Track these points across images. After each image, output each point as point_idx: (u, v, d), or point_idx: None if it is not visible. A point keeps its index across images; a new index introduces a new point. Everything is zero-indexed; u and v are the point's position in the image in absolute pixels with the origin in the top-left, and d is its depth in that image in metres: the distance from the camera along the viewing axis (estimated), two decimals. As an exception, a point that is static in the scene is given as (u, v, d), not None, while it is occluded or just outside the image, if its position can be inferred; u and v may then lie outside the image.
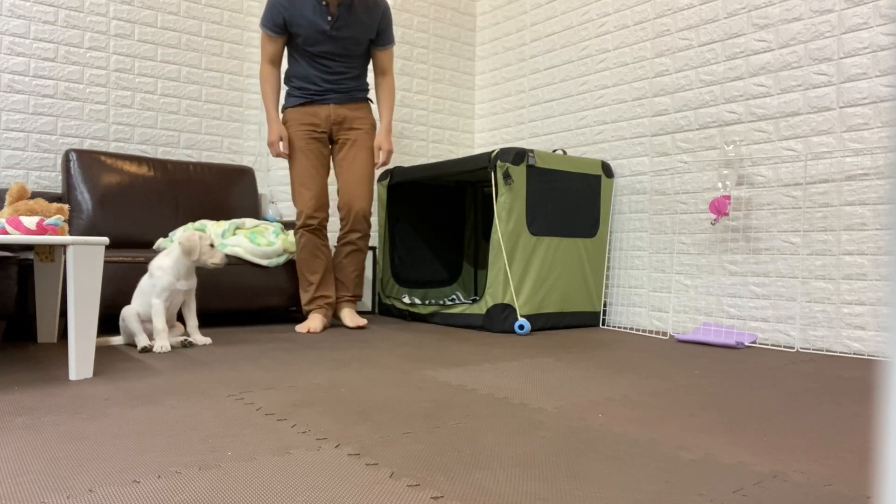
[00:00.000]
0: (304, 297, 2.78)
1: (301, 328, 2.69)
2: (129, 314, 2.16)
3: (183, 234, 2.23)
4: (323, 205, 2.72)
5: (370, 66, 3.07)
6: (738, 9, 2.68)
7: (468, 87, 4.09)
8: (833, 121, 2.38)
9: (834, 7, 2.38)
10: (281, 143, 2.69)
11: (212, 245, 2.24)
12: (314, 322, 2.69)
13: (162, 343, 2.11)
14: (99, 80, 3.30)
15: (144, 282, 2.20)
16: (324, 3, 2.58)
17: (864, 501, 0.91)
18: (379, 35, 2.75)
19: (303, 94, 2.72)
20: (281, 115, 2.78)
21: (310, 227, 2.70)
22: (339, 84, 2.73)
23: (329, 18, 2.59)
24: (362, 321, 2.79)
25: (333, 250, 2.94)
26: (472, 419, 1.32)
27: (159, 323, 2.13)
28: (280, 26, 2.62)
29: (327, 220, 2.76)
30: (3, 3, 3.06)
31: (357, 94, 2.79)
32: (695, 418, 1.35)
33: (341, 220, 2.77)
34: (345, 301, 2.87)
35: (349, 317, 2.82)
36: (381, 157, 2.78)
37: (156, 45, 3.49)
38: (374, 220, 3.58)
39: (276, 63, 2.71)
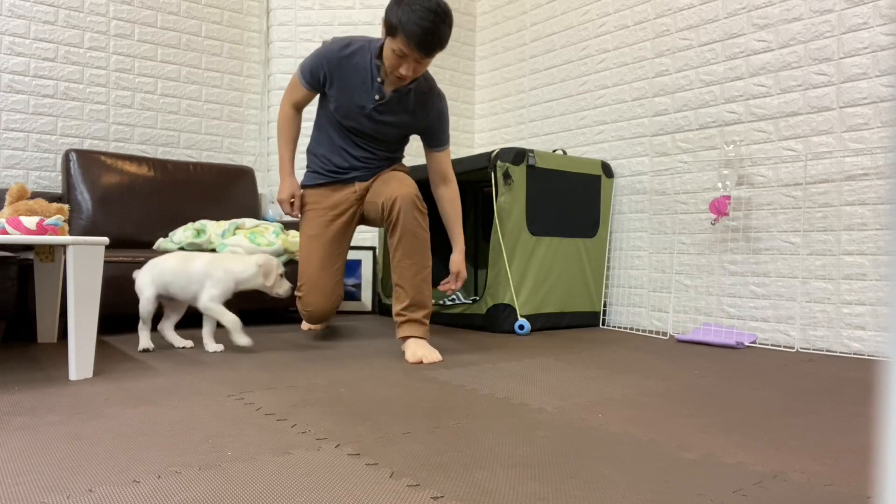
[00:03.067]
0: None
1: (305, 325, 2.72)
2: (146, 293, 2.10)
3: (262, 256, 2.16)
4: (329, 308, 2.32)
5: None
6: (738, 9, 2.68)
7: (468, 87, 4.09)
8: (833, 121, 2.38)
9: (834, 7, 2.38)
10: (293, 202, 2.32)
11: (281, 274, 2.19)
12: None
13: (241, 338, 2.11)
14: (99, 80, 3.30)
15: (193, 268, 2.10)
16: (379, 80, 2.13)
17: (864, 501, 0.91)
18: (429, 135, 2.27)
19: (326, 173, 2.33)
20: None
21: (307, 313, 2.32)
22: (369, 164, 2.33)
23: (377, 98, 2.15)
24: (430, 355, 1.99)
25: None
26: (472, 419, 1.32)
27: (230, 319, 2.09)
28: (317, 82, 2.21)
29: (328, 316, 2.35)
30: (3, 3, 3.06)
31: (387, 168, 2.40)
32: (695, 418, 1.35)
33: (385, 221, 2.18)
34: (405, 321, 2.09)
35: (411, 348, 2.02)
36: (455, 285, 2.26)
37: (156, 45, 3.49)
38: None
39: (300, 109, 2.34)
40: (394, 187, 2.14)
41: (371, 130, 2.25)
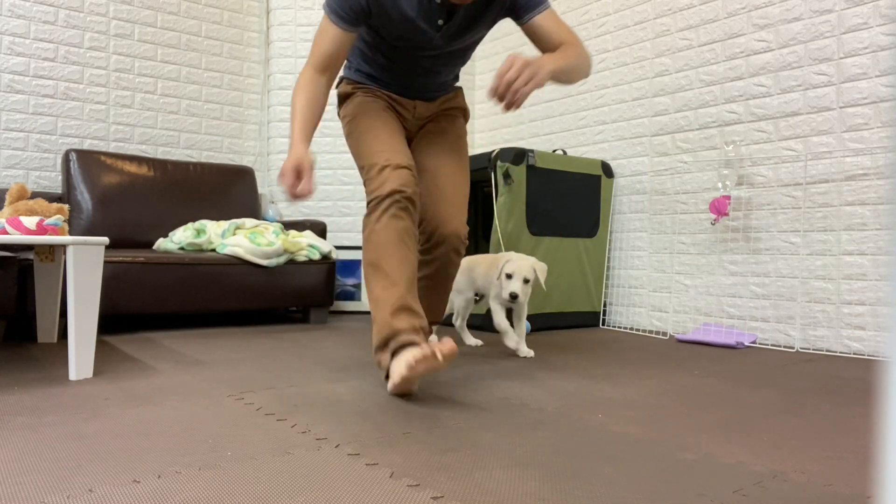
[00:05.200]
0: (382, 308, 1.55)
1: (397, 376, 1.44)
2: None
3: (534, 260, 2.10)
4: (413, 178, 1.68)
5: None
6: (738, 9, 2.68)
7: (468, 87, 4.09)
8: (833, 121, 2.38)
9: (834, 7, 2.38)
10: (298, 177, 1.57)
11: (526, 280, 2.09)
12: (411, 360, 1.40)
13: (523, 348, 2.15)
14: (99, 80, 3.30)
15: (487, 275, 2.19)
16: (439, 1, 1.60)
17: (864, 501, 0.91)
18: (517, 9, 1.68)
19: (377, 83, 1.85)
20: (337, 85, 1.88)
21: (398, 196, 1.62)
22: (429, 84, 1.87)
23: (440, 23, 1.64)
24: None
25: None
26: (472, 419, 1.32)
27: (504, 323, 2.13)
28: (357, 14, 1.61)
29: (419, 198, 1.75)
30: (3, 3, 3.06)
31: (448, 90, 1.96)
32: (695, 418, 1.35)
33: (421, 243, 1.82)
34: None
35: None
36: (513, 76, 1.41)
37: (156, 45, 3.49)
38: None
39: (330, 71, 1.68)
40: (444, 212, 1.80)
41: (442, 56, 1.77)
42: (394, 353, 1.48)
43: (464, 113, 2.01)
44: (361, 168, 1.74)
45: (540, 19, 1.67)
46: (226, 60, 3.73)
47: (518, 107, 1.43)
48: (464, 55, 1.83)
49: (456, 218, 1.83)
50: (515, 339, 2.14)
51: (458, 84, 2.01)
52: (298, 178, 1.57)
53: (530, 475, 0.99)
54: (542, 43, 1.69)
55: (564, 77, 1.58)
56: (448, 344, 1.39)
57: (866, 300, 2.28)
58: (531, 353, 2.15)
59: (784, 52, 2.52)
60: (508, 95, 1.41)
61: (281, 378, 1.71)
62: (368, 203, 1.66)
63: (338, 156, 3.72)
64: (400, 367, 1.42)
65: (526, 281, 2.06)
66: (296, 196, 1.57)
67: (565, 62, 1.56)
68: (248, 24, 3.81)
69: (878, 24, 2.27)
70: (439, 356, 1.38)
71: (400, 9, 1.61)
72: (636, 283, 3.08)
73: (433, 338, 1.95)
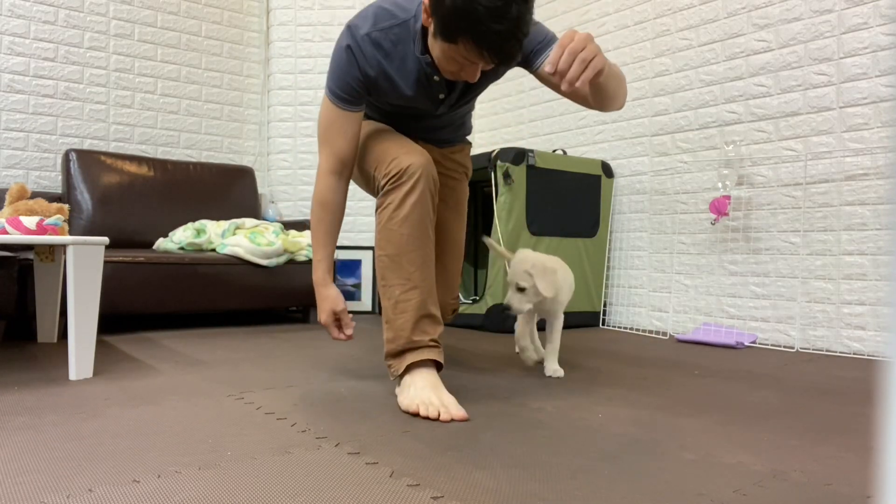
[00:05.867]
0: (401, 312, 1.47)
1: (427, 410, 1.33)
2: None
3: (538, 259, 1.75)
4: (431, 160, 1.52)
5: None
6: (738, 9, 2.68)
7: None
8: (833, 121, 2.38)
9: (834, 7, 2.38)
10: (340, 322, 1.57)
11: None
12: (433, 390, 1.38)
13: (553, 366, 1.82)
14: (99, 80, 3.30)
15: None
16: (436, 78, 1.47)
17: (864, 501, 0.91)
18: (532, 56, 1.48)
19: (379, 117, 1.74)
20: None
21: (421, 173, 1.46)
22: (434, 135, 1.78)
23: (441, 97, 1.54)
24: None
25: None
26: (472, 419, 1.32)
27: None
28: (359, 92, 1.50)
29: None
30: (3, 3, 3.06)
31: (457, 140, 1.86)
32: (695, 418, 1.35)
33: None
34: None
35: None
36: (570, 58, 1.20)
37: (156, 45, 3.48)
38: (374, 220, 3.57)
39: (348, 169, 1.55)
40: (446, 284, 1.81)
41: (443, 118, 1.70)
42: (409, 366, 1.42)
43: (467, 173, 1.92)
44: (369, 171, 1.56)
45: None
46: (226, 60, 3.73)
47: (585, 83, 1.20)
48: (471, 106, 1.76)
49: (449, 294, 1.82)
50: (533, 355, 1.84)
51: (468, 138, 1.91)
52: (339, 325, 1.58)
53: (530, 475, 0.99)
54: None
55: (607, 83, 1.37)
56: (460, 414, 1.32)
57: (866, 300, 2.28)
58: (560, 372, 1.79)
59: (784, 52, 2.52)
60: (577, 65, 1.19)
61: (281, 378, 1.71)
62: (384, 185, 1.48)
63: (338, 156, 3.71)
64: (410, 400, 1.36)
65: (520, 289, 1.69)
66: (341, 338, 1.59)
67: (610, 67, 1.36)
68: (248, 24, 3.81)
69: (878, 24, 2.27)
70: (445, 419, 1.31)
71: (397, 89, 1.51)
72: (636, 283, 3.08)
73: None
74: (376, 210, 1.51)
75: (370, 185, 1.61)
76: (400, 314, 1.46)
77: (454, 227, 1.87)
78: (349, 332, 1.58)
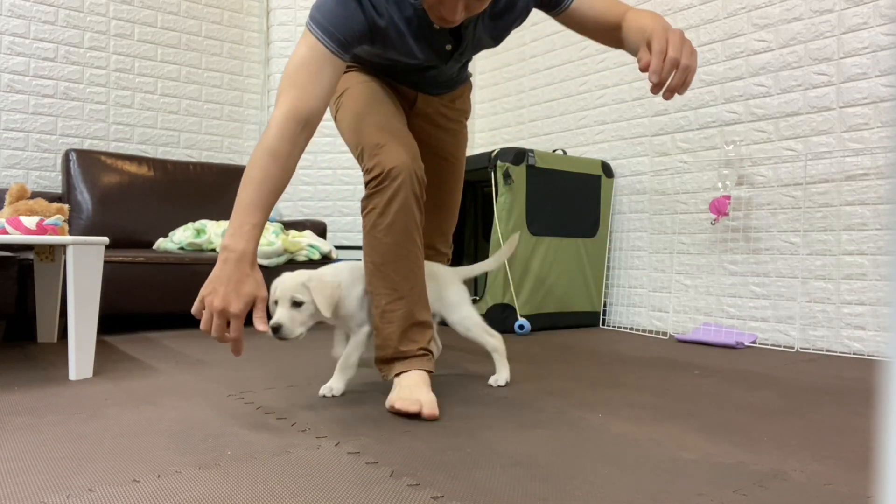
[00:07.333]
0: (388, 321, 1.42)
1: (402, 404, 1.31)
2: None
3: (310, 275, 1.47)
4: (419, 158, 1.45)
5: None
6: (738, 9, 2.68)
7: (468, 87, 4.08)
8: (833, 121, 2.38)
9: (834, 7, 2.38)
10: (257, 312, 1.22)
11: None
12: (415, 388, 1.36)
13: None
14: (99, 80, 3.30)
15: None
16: (436, 26, 1.37)
17: (864, 501, 0.91)
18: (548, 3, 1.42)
19: (372, 68, 1.60)
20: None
21: (405, 176, 1.38)
22: (435, 82, 1.64)
23: (448, 48, 1.44)
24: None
25: None
26: (472, 419, 1.32)
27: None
28: (355, 37, 1.32)
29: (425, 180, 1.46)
30: (3, 3, 3.06)
31: (456, 87, 1.72)
32: (695, 418, 1.35)
33: None
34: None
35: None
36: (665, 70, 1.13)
37: (156, 45, 3.49)
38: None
39: (308, 126, 1.28)
40: (440, 229, 1.78)
41: (452, 68, 1.57)
42: (398, 373, 1.43)
43: (466, 116, 1.80)
44: (356, 147, 1.46)
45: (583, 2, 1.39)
46: (226, 60, 3.73)
47: (685, 90, 1.15)
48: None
49: (444, 244, 1.82)
50: (341, 382, 1.50)
51: (469, 74, 1.74)
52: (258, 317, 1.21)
53: (530, 475, 0.99)
54: (598, 25, 1.39)
55: None
56: (430, 413, 1.29)
57: (866, 300, 2.28)
58: (336, 392, 1.50)
59: (784, 52, 2.52)
60: (679, 76, 1.12)
61: (281, 378, 1.71)
62: (368, 183, 1.38)
63: (337, 156, 3.72)
64: (393, 399, 1.34)
65: (296, 304, 1.37)
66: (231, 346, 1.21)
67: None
68: (248, 24, 3.81)
69: (878, 24, 2.27)
70: (422, 413, 1.29)
71: (406, 45, 1.39)
72: (636, 283, 3.08)
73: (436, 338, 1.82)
74: (361, 211, 1.45)
75: (353, 153, 1.51)
76: (387, 324, 1.42)
77: (450, 180, 1.76)
78: (262, 327, 1.20)
